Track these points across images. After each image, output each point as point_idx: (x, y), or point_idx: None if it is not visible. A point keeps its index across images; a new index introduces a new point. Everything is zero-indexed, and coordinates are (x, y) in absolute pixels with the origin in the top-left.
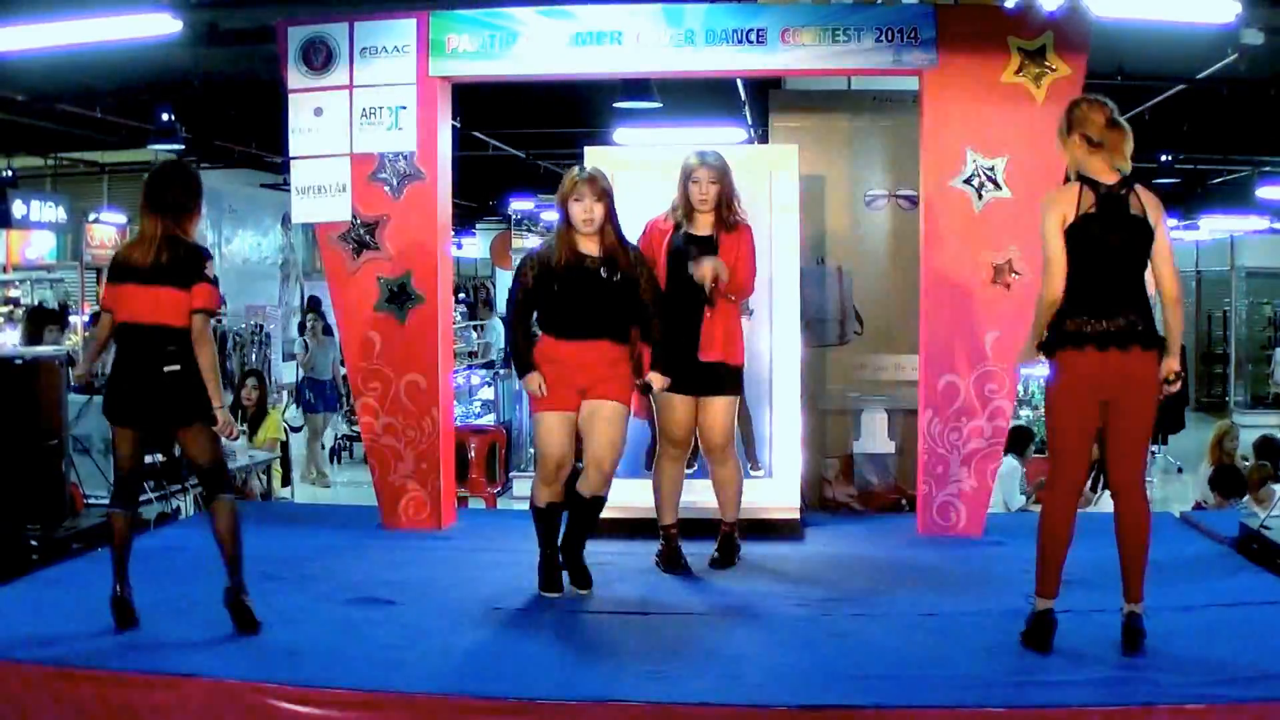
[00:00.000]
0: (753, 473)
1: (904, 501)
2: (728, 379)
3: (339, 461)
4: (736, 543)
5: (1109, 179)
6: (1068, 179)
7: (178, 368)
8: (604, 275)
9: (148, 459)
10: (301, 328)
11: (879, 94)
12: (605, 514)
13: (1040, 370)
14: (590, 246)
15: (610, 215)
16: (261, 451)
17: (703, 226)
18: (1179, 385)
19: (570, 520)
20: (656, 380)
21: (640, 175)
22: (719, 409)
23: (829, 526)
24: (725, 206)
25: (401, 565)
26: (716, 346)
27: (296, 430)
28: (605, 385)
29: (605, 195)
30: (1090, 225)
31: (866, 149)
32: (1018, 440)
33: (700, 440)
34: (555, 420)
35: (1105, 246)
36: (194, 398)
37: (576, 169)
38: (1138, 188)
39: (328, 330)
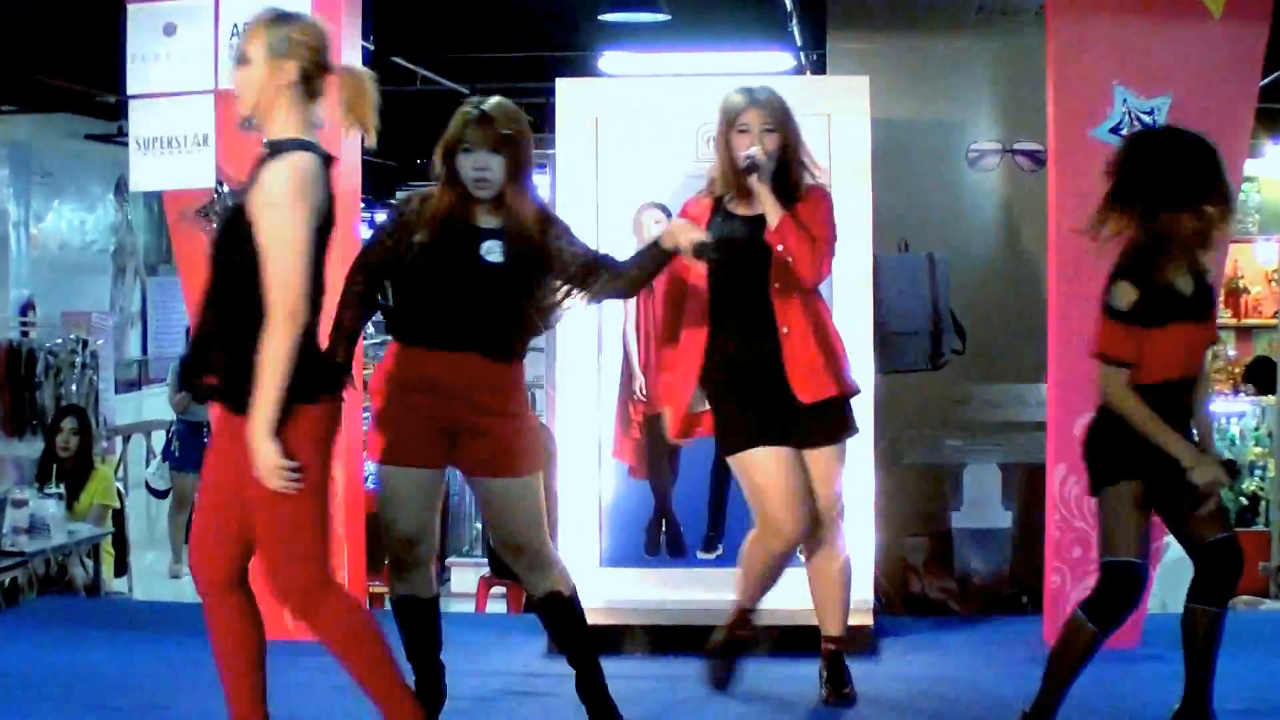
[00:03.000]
0: (802, 558)
1: (1025, 599)
2: (834, 416)
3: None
4: (846, 666)
5: None
6: None
7: None
8: (485, 256)
9: None
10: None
11: (987, 2)
12: (598, 621)
13: (1234, 405)
14: (484, 216)
15: (518, 175)
16: (84, 525)
17: (754, 202)
18: None
19: (560, 646)
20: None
21: (635, 121)
22: (827, 462)
23: (914, 636)
24: (787, 166)
25: (286, 695)
26: (818, 374)
27: (160, 495)
28: (487, 445)
29: (508, 145)
30: None
31: (969, 83)
32: None
33: None
34: (406, 481)
35: None
36: None
37: (469, 105)
38: None
39: None
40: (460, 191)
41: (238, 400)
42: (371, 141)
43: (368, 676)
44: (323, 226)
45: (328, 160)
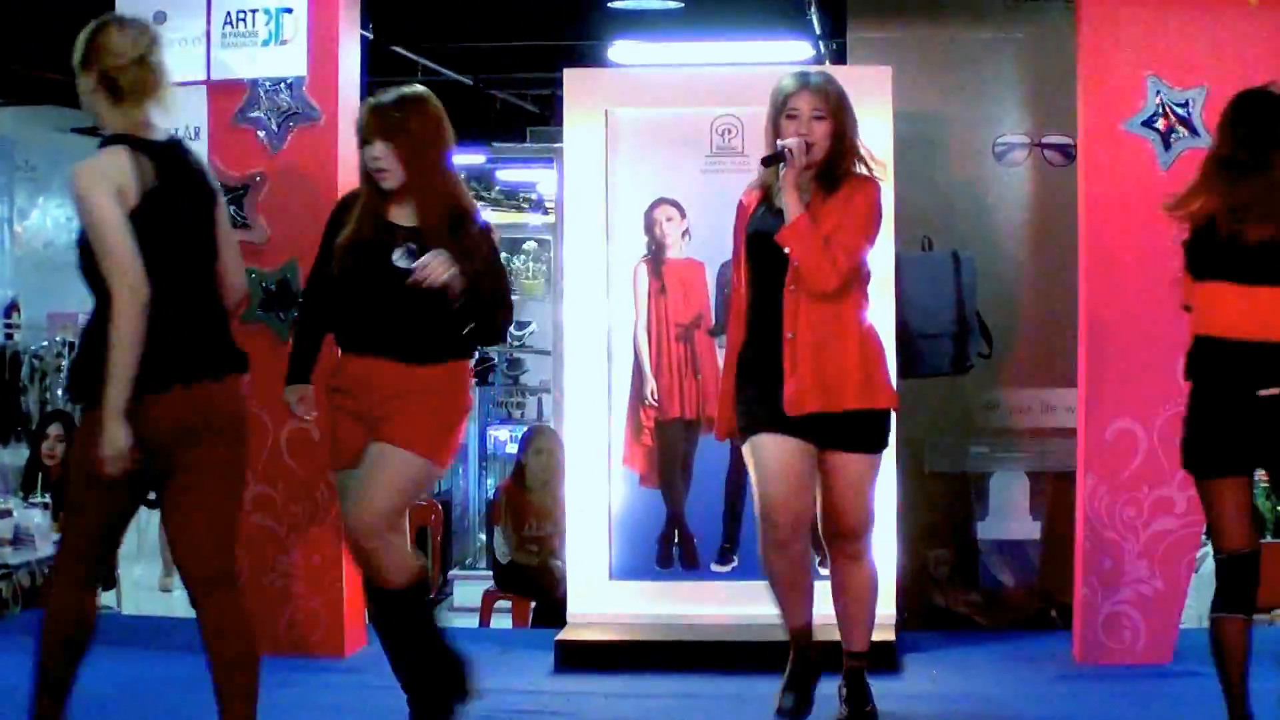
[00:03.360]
0: (823, 571)
1: (1053, 613)
2: (866, 426)
3: None
4: (868, 683)
5: None
6: None
7: None
8: (396, 261)
9: None
10: None
11: None
12: (608, 637)
13: None
14: (399, 212)
15: (416, 163)
16: None
17: (803, 192)
18: None
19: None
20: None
21: (646, 113)
22: (853, 473)
23: (938, 652)
24: (842, 157)
25: (283, 714)
26: (818, 387)
27: (152, 505)
28: (389, 425)
29: (400, 131)
30: None
31: (996, 74)
32: None
33: (822, 521)
34: (347, 482)
35: None
36: None
37: (374, 98)
38: None
39: None
40: (371, 187)
41: (84, 392)
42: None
43: None
44: (164, 208)
45: (153, 150)
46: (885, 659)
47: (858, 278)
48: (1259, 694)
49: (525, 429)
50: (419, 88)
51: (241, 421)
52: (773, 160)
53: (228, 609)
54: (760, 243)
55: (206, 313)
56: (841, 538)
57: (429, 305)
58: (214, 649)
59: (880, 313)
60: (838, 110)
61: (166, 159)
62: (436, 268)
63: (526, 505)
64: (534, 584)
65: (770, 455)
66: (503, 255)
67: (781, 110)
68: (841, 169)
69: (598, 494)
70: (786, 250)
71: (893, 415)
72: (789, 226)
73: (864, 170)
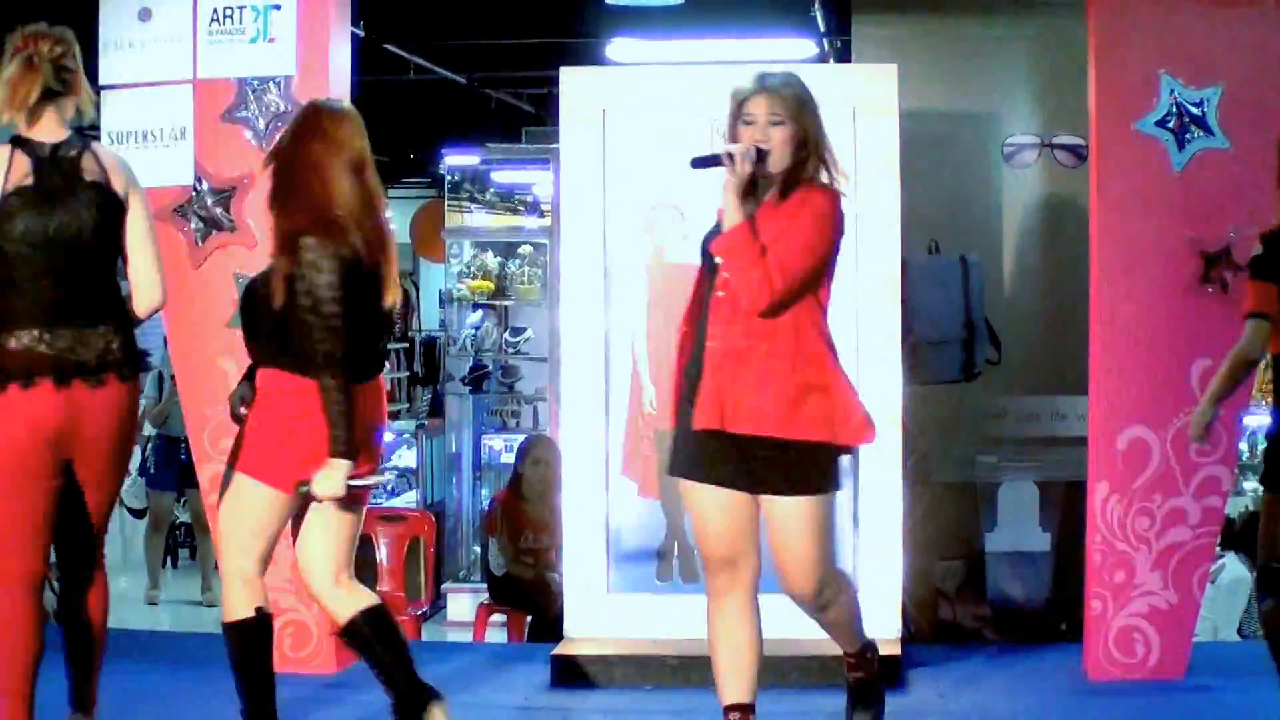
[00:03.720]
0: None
1: (1063, 626)
2: (793, 463)
3: (173, 563)
4: (876, 693)
5: None
6: None
7: None
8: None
9: None
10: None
11: None
12: (605, 651)
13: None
14: None
15: (275, 194)
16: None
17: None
18: None
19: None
20: (321, 482)
21: (645, 113)
22: (780, 519)
23: (945, 666)
24: (803, 165)
25: None
26: (730, 401)
27: (138, 515)
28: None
29: (271, 160)
30: None
31: (1005, 72)
32: (1248, 533)
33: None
34: None
35: None
36: None
37: None
38: None
39: None
40: None
41: None
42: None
43: None
44: (30, 207)
45: (37, 153)
46: (891, 673)
47: (806, 296)
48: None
49: (522, 438)
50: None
51: (119, 425)
52: (703, 164)
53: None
54: (706, 251)
55: (79, 313)
56: (793, 595)
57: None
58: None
59: (886, 319)
60: (798, 114)
61: (53, 162)
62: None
63: (523, 516)
64: (530, 597)
65: (707, 508)
66: (497, 259)
67: (739, 117)
68: (799, 177)
69: (595, 505)
70: (718, 260)
71: (835, 451)
72: (723, 236)
73: (826, 178)
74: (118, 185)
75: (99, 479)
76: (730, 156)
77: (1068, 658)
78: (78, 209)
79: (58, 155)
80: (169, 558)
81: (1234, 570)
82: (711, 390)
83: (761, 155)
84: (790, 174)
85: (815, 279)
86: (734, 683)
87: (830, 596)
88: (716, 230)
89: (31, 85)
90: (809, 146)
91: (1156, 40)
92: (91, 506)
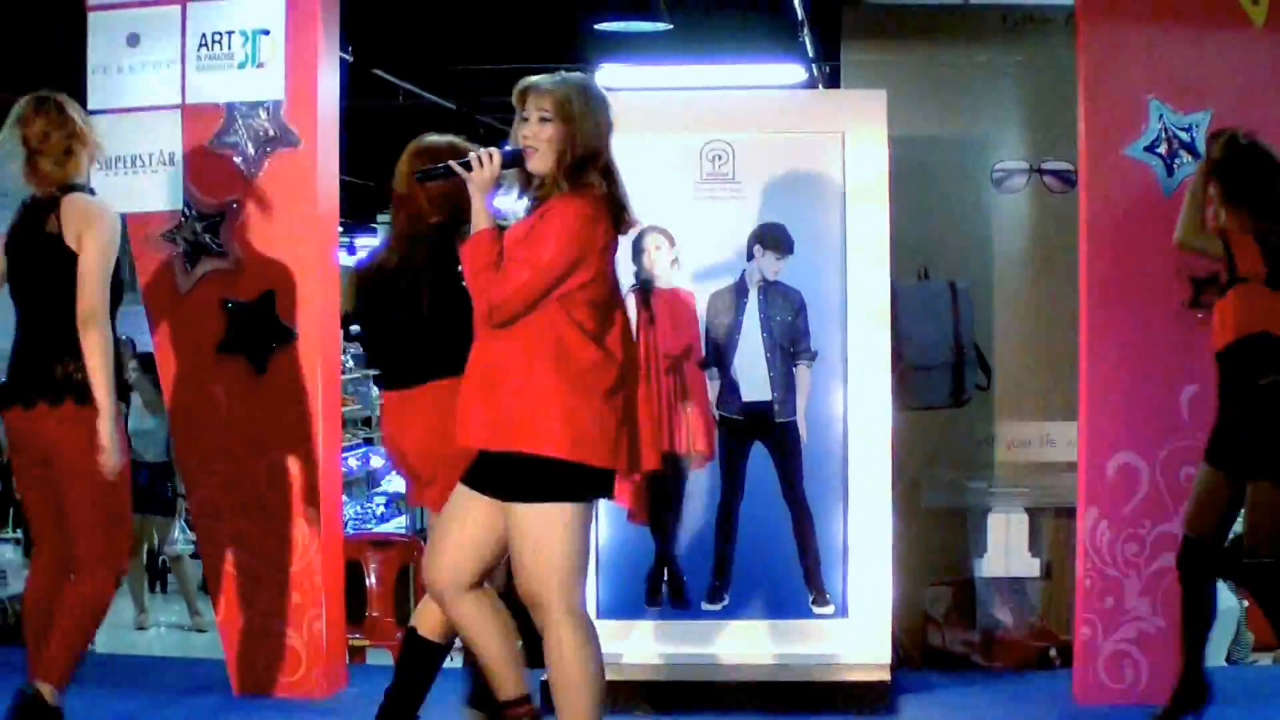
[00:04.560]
0: (815, 610)
1: (1053, 652)
2: (509, 469)
3: (163, 589)
4: None
5: None
6: None
7: None
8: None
9: None
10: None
11: (1012, 9)
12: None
13: None
14: None
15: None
16: None
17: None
18: None
19: None
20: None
21: (635, 138)
22: (518, 527)
23: (935, 693)
24: (569, 171)
25: None
26: (467, 415)
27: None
28: None
29: None
30: None
31: (993, 98)
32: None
33: None
34: None
35: None
36: None
37: None
38: None
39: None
40: None
41: None
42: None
43: None
44: (9, 254)
45: (23, 206)
46: (880, 700)
47: (547, 307)
48: None
49: None
50: None
51: (62, 451)
52: (426, 176)
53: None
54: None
55: (32, 343)
56: (525, 599)
57: None
58: None
59: (876, 344)
60: (566, 114)
61: (26, 213)
62: None
63: None
64: (522, 621)
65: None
66: None
67: (519, 111)
68: (558, 178)
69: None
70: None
71: (544, 461)
72: (466, 241)
73: (601, 185)
74: (69, 238)
75: None
76: (466, 165)
77: (1057, 683)
78: (41, 254)
79: (30, 210)
80: (154, 583)
81: (1222, 598)
82: (461, 401)
83: (516, 157)
84: (554, 177)
85: (545, 291)
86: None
87: (560, 613)
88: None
89: (28, 167)
90: (572, 146)
91: (1145, 66)
92: None
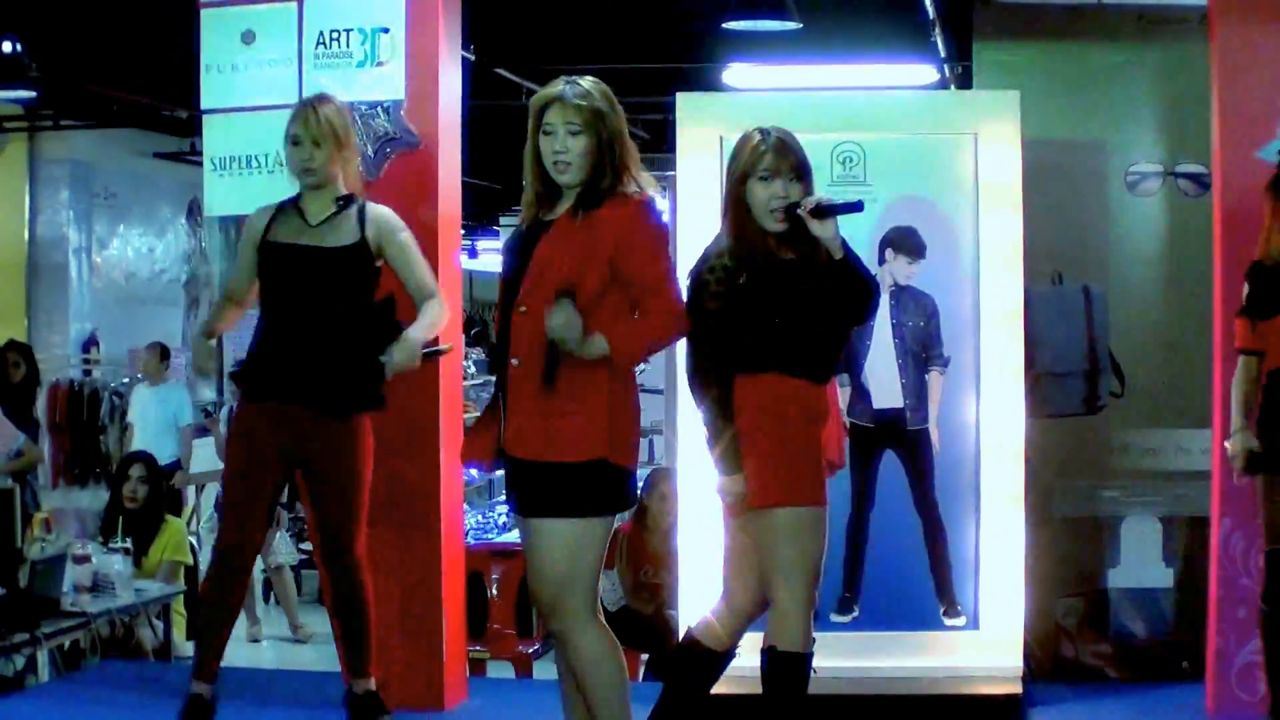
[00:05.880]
0: (947, 621)
1: (1186, 664)
2: (551, 486)
3: (271, 600)
4: None
5: None
6: None
7: None
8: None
9: None
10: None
11: (1147, 9)
12: (722, 690)
13: None
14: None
15: None
16: (153, 583)
17: (561, 211)
18: None
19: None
20: None
21: None
22: (540, 542)
23: (1067, 705)
24: (605, 175)
25: None
26: (531, 427)
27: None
28: None
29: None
30: None
31: (1127, 100)
32: None
33: None
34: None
35: None
36: None
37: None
38: None
39: None
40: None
41: None
42: None
43: None
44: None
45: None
46: (1011, 712)
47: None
48: None
49: (646, 471)
50: None
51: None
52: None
53: None
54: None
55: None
56: (540, 611)
57: None
58: None
59: (1009, 351)
60: (596, 121)
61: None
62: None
63: (645, 550)
64: (647, 634)
65: None
66: None
67: (539, 128)
68: (603, 183)
69: (712, 541)
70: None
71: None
72: (623, 342)
73: (634, 188)
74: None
75: None
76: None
77: (1190, 695)
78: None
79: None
80: (266, 594)
81: None
82: (515, 411)
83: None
84: (589, 187)
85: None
86: None
87: (573, 623)
88: (516, 237)
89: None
90: (607, 153)
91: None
92: None
